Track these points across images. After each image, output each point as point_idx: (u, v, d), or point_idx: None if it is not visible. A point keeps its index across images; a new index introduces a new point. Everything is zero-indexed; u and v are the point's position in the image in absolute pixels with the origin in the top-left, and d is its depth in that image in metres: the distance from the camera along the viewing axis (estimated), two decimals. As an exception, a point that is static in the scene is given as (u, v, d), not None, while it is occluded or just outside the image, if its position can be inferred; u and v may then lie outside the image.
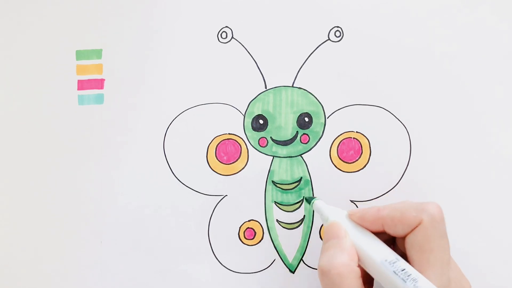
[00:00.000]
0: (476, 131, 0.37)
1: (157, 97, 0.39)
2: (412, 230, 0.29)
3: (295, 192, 0.38)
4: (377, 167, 0.38)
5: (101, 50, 0.40)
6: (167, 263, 0.38)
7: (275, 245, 0.38)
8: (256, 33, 0.39)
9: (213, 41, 0.39)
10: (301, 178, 0.38)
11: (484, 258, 0.37)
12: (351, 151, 0.38)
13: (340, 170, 0.38)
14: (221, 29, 0.39)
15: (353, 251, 0.30)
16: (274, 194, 0.38)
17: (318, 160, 0.38)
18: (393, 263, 0.28)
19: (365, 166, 0.38)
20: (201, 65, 0.39)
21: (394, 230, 0.30)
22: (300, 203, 0.38)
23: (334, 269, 0.28)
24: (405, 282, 0.27)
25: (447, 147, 0.37)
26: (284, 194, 0.38)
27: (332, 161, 0.38)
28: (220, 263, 0.38)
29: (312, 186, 0.38)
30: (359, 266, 0.29)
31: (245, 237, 0.38)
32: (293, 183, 0.38)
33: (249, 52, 0.39)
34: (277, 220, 0.38)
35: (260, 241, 0.38)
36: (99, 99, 0.40)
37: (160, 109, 0.39)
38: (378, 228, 0.30)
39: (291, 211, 0.38)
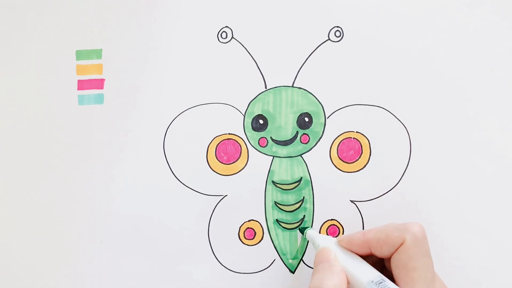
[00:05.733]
0: (476, 131, 0.37)
1: (157, 97, 0.39)
2: (396, 250, 0.30)
3: (295, 192, 0.38)
4: (377, 167, 0.38)
5: (101, 50, 0.40)
6: (167, 263, 0.38)
7: (275, 245, 0.38)
8: (256, 33, 0.39)
9: (213, 41, 0.39)
10: (301, 178, 0.38)
11: (483, 257, 0.37)
12: (351, 151, 0.38)
13: (340, 170, 0.38)
14: (221, 29, 0.39)
15: (343, 274, 0.31)
16: (274, 194, 0.38)
17: (318, 160, 0.38)
18: (379, 283, 0.29)
19: (365, 166, 0.38)
20: (201, 65, 0.39)
21: (380, 252, 0.31)
22: (300, 203, 0.38)
23: None
24: None
25: (447, 147, 0.37)
26: (284, 194, 0.38)
27: (332, 161, 0.38)
28: (220, 263, 0.38)
29: (312, 186, 0.38)
30: None
31: (245, 237, 0.38)
32: (293, 183, 0.38)
33: (249, 52, 0.39)
34: (277, 220, 0.38)
35: (260, 241, 0.38)
36: (99, 99, 0.40)
37: (160, 109, 0.39)
38: (366, 251, 0.32)
39: (291, 211, 0.38)
